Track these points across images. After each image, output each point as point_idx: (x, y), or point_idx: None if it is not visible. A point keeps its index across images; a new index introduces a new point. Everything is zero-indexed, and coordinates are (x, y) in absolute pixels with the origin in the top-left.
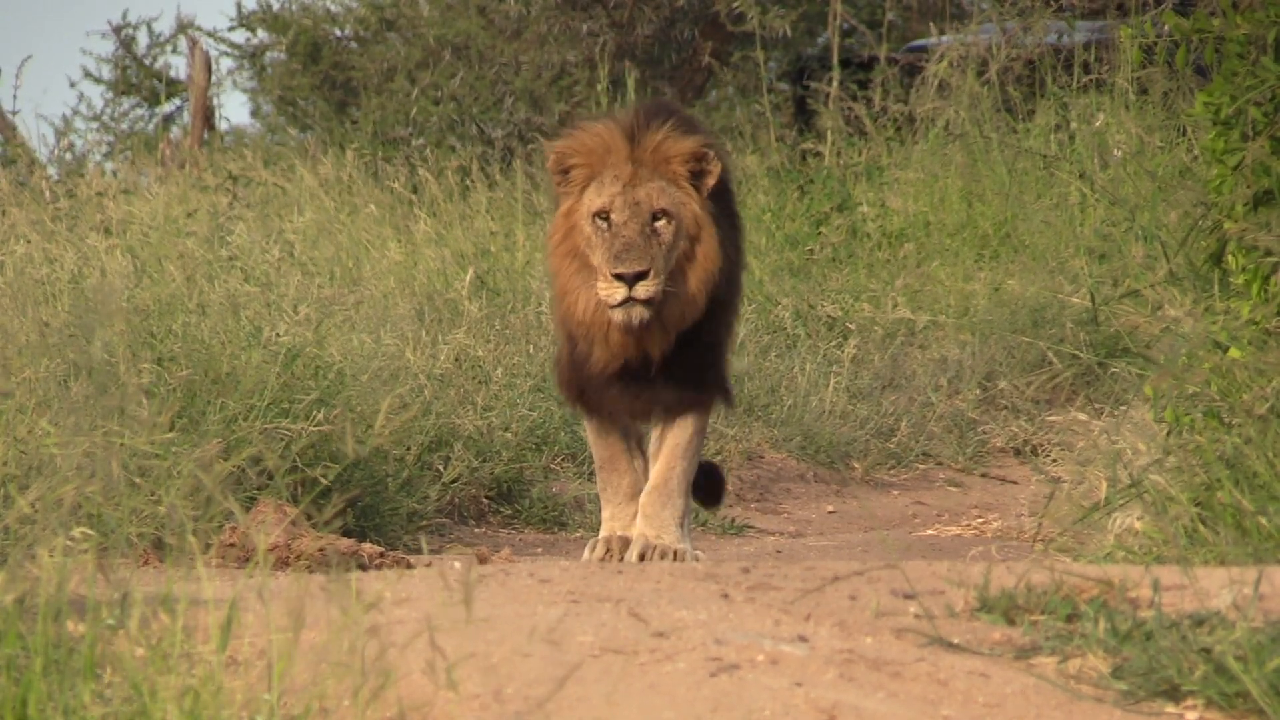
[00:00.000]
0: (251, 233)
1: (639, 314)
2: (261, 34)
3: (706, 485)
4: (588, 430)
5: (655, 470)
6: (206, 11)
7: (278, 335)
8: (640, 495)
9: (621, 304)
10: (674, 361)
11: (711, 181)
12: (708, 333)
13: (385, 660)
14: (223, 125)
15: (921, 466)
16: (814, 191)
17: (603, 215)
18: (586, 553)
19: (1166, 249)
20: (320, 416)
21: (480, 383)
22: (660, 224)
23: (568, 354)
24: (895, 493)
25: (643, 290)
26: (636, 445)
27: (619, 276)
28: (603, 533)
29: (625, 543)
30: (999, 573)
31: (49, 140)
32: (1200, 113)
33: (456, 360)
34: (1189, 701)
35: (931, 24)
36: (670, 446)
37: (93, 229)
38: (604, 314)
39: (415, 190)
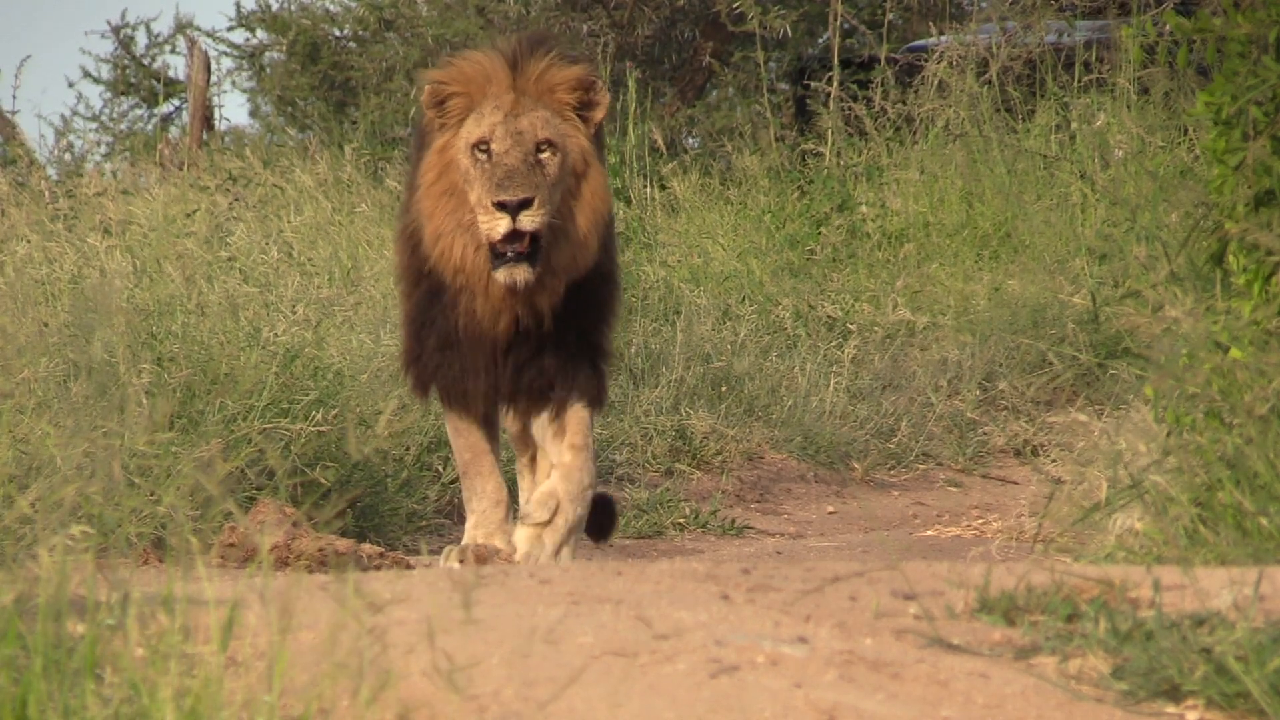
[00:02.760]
0: (250, 233)
1: (523, 275)
2: (260, 34)
3: (596, 518)
4: (449, 425)
5: (556, 483)
6: (205, 12)
7: (277, 336)
8: (507, 502)
9: (504, 250)
10: (558, 336)
11: (599, 115)
12: (593, 305)
13: (386, 661)
14: (222, 125)
15: (921, 467)
16: (814, 192)
17: (482, 146)
18: (441, 561)
19: (1167, 249)
20: (319, 417)
21: None
22: (545, 155)
23: (416, 327)
24: (895, 493)
25: (527, 220)
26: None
27: (501, 205)
28: (464, 539)
29: (484, 554)
30: (999, 573)
31: (48, 140)
32: (1201, 112)
33: None
34: (1189, 702)
35: (931, 24)
36: (569, 454)
37: (92, 229)
38: (483, 263)
39: None
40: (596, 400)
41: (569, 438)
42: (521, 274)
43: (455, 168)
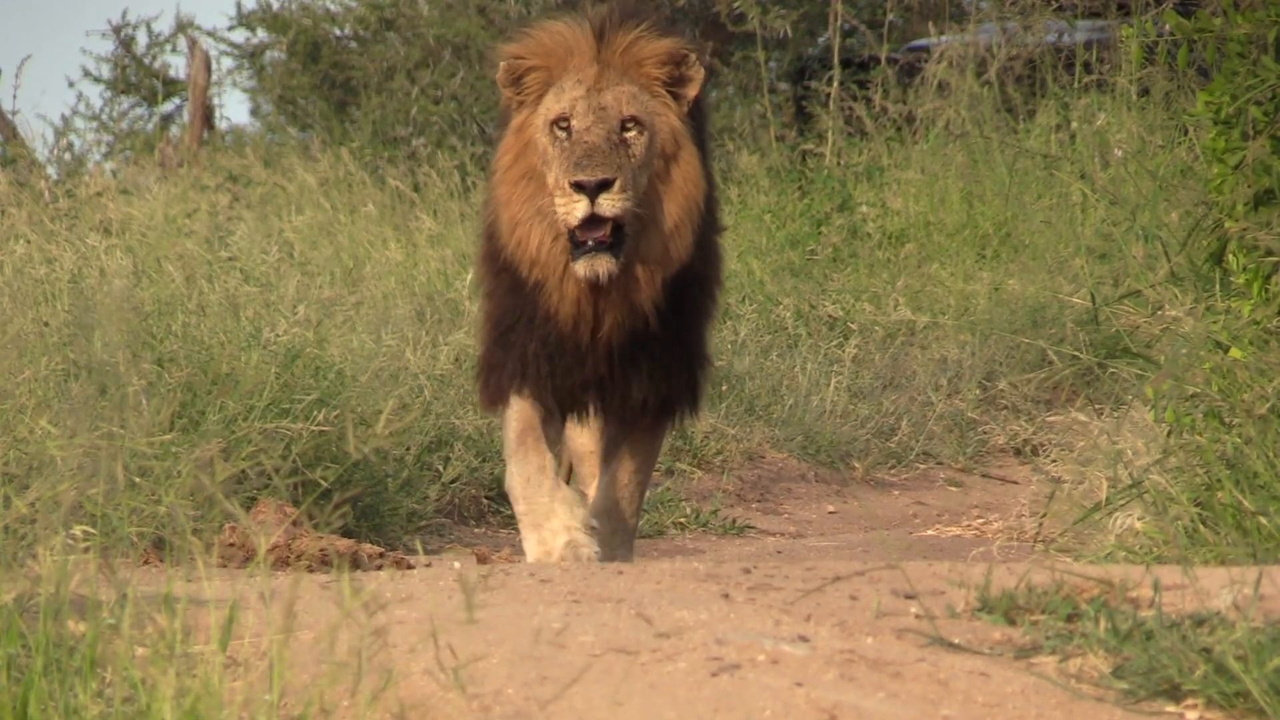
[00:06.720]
0: (251, 233)
1: (605, 267)
2: (261, 33)
3: None
4: (510, 425)
5: (614, 483)
6: (206, 11)
7: (277, 335)
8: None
9: (584, 239)
10: (654, 343)
11: (693, 92)
12: (690, 304)
13: (387, 660)
14: (222, 125)
15: (922, 466)
16: (814, 191)
17: (562, 123)
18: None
19: (1167, 249)
20: (320, 417)
21: None
22: (630, 134)
23: (499, 329)
24: (896, 493)
25: (607, 204)
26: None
27: (578, 186)
28: (563, 549)
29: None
30: (1000, 573)
31: (48, 140)
32: (1201, 112)
33: (456, 360)
34: (1189, 701)
35: (931, 24)
36: (636, 455)
37: (92, 229)
38: (560, 254)
39: (417, 189)
40: (691, 412)
41: (644, 447)
42: (604, 265)
43: (534, 148)
